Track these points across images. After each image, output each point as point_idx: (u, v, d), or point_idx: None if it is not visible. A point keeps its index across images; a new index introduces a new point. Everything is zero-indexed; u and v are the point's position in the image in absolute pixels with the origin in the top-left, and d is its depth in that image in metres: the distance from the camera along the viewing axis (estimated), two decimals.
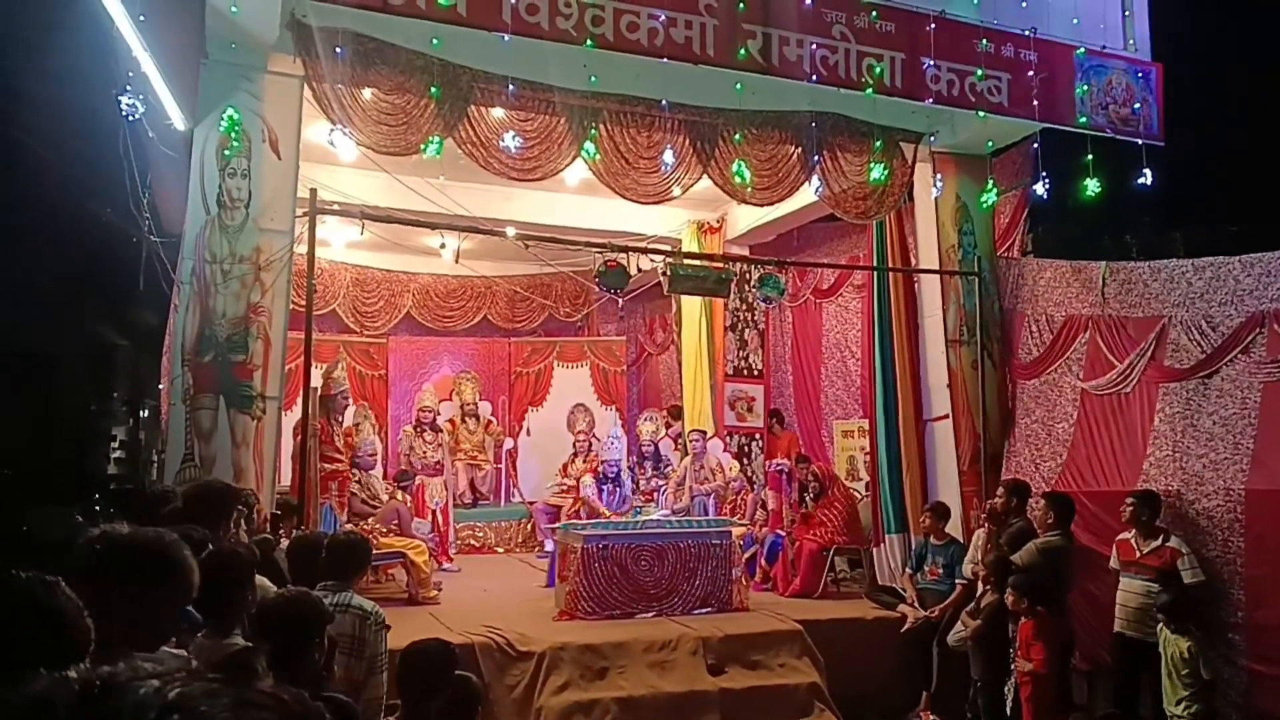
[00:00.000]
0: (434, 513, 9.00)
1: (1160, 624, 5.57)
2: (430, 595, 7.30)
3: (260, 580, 3.53)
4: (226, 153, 6.09)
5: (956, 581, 6.92)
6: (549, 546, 9.32)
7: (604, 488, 9.20)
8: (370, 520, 7.71)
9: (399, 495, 8.32)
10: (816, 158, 7.46)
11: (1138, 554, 5.95)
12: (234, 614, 2.81)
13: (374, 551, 5.84)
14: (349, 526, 7.31)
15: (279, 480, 6.47)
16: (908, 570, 7.33)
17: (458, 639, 5.77)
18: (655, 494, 9.79)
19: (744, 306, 10.72)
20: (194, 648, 2.58)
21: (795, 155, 7.51)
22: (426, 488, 9.19)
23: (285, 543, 5.44)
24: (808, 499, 8.16)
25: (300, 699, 1.07)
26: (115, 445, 22.73)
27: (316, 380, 7.35)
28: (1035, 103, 7.19)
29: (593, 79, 6.74)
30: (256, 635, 2.70)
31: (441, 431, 9.97)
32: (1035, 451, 7.57)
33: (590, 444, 10.73)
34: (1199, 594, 5.78)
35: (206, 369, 5.96)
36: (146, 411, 21.95)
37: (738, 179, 7.31)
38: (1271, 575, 5.70)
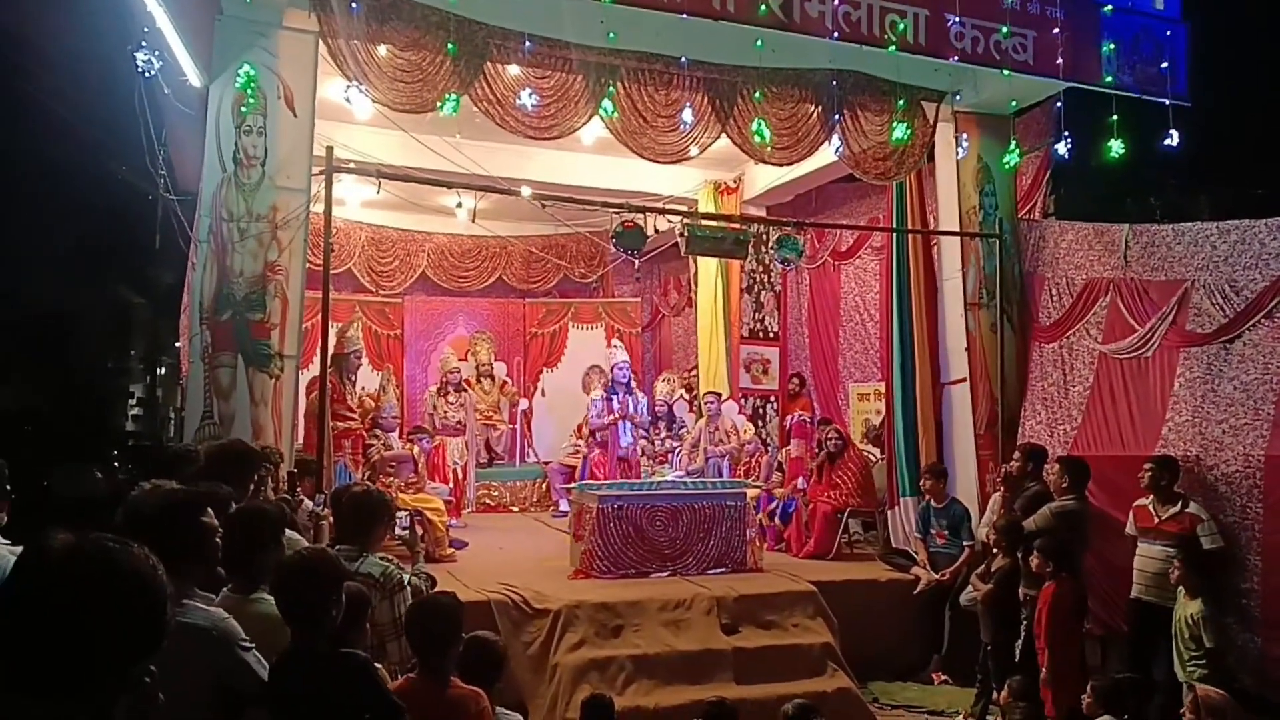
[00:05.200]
0: (454, 471, 9.05)
1: (1178, 581, 5.53)
2: (446, 553, 7.35)
3: (293, 535, 3.55)
4: (243, 110, 6.05)
5: (964, 544, 6.95)
6: (564, 506, 9.38)
7: (614, 396, 9.63)
8: (390, 479, 7.75)
9: (410, 447, 8.36)
10: (837, 116, 7.36)
11: (1156, 520, 5.93)
12: (259, 571, 2.83)
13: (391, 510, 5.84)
14: (367, 484, 7.34)
15: (295, 438, 6.51)
16: (916, 534, 7.37)
17: (474, 596, 5.86)
18: (670, 455, 9.82)
19: (760, 268, 10.66)
20: (219, 603, 2.61)
21: (815, 114, 7.41)
22: (447, 447, 9.23)
23: (305, 501, 5.50)
24: (825, 453, 8.17)
25: None
26: (133, 402, 22.93)
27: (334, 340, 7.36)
28: (1060, 61, 7.04)
29: (611, 35, 6.65)
30: (275, 592, 2.72)
31: (465, 392, 10.01)
32: (1051, 415, 7.53)
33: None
34: (1218, 559, 5.77)
35: (225, 327, 5.98)
36: (163, 369, 22.13)
37: (757, 138, 7.23)
38: None
